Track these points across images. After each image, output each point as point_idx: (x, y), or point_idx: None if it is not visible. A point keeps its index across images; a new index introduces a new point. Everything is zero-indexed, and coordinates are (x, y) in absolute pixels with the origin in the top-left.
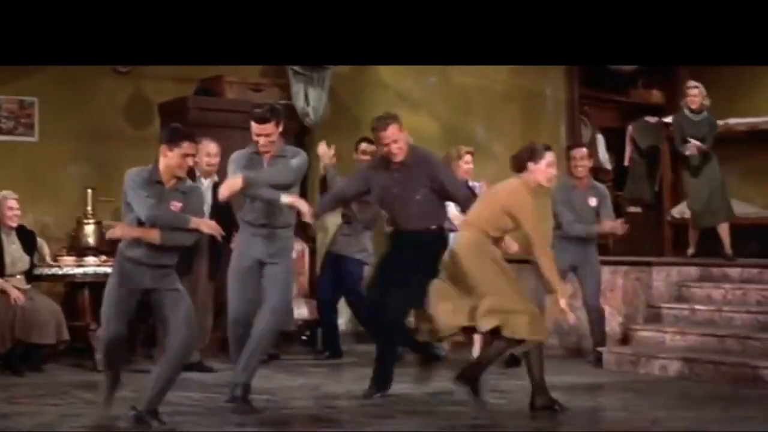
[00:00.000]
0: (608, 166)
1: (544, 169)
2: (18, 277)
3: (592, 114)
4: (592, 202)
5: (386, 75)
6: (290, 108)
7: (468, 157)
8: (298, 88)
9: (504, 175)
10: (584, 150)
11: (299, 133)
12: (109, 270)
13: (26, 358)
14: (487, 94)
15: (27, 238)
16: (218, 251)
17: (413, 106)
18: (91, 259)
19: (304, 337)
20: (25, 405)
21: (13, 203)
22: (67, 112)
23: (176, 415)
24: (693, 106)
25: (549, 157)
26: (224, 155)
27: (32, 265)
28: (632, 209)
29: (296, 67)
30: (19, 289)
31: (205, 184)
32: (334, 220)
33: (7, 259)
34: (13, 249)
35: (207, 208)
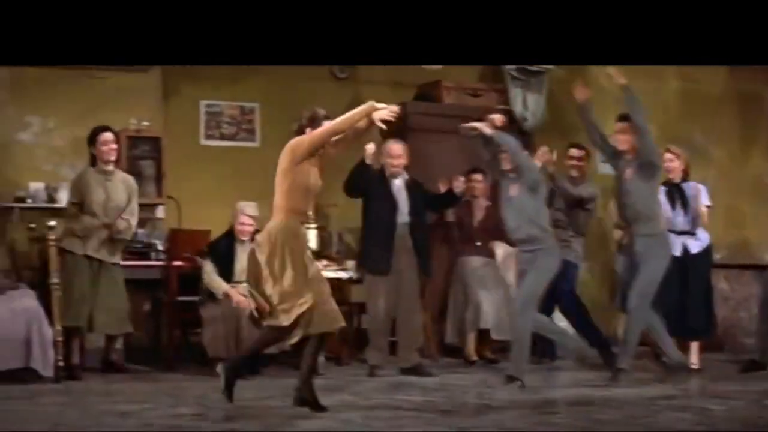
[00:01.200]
0: None
1: None
2: (245, 285)
3: None
4: None
5: (603, 79)
6: (508, 112)
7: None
8: (516, 93)
9: (723, 180)
10: None
11: (516, 137)
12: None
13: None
14: (702, 98)
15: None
16: (425, 248)
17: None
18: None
19: None
20: (252, 408)
21: (246, 219)
22: (287, 118)
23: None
24: None
25: None
26: (439, 159)
27: None
28: None
29: (514, 72)
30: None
31: (397, 184)
32: None
33: (237, 267)
34: (244, 258)
35: (406, 207)
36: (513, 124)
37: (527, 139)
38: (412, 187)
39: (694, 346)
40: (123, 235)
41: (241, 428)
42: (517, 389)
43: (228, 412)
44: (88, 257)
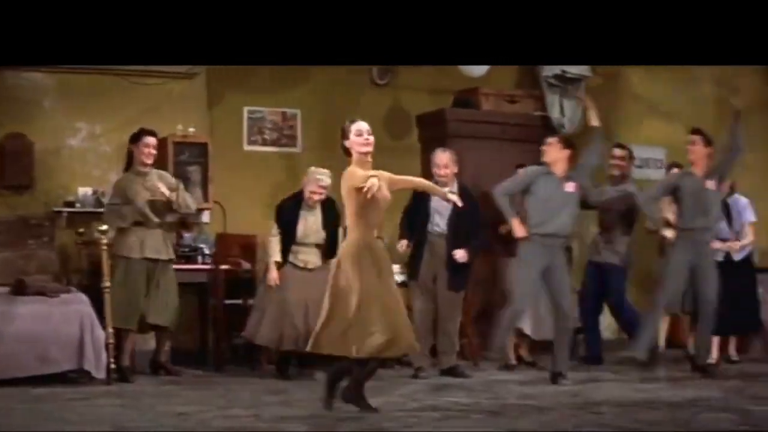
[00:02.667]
0: None
1: None
2: (310, 248)
3: None
4: None
5: (638, 86)
6: (545, 119)
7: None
8: (552, 99)
9: (762, 185)
10: None
11: None
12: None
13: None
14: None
15: (331, 213)
16: (451, 260)
17: (665, 116)
18: None
19: None
20: (300, 408)
21: (317, 187)
22: (328, 124)
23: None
24: None
25: None
26: (477, 165)
27: (329, 245)
28: None
29: (551, 79)
30: (306, 266)
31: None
32: (586, 229)
33: (300, 229)
34: (311, 221)
35: (443, 218)
36: (550, 130)
37: None
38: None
39: (732, 340)
40: (188, 210)
41: (294, 429)
42: (561, 389)
43: (281, 413)
44: (145, 259)
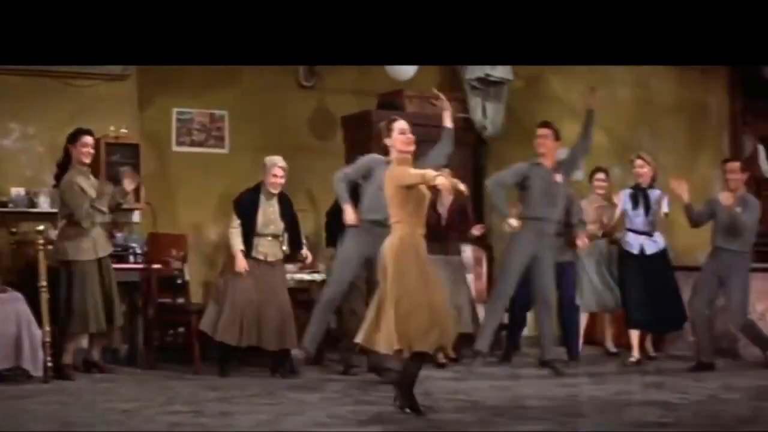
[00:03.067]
0: None
1: None
2: (270, 239)
3: (754, 125)
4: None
5: (557, 88)
6: (467, 121)
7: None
8: (475, 102)
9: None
10: (736, 164)
11: (475, 145)
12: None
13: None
14: (652, 106)
15: (287, 205)
16: None
17: (582, 118)
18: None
19: None
20: (239, 404)
21: (279, 171)
22: (255, 125)
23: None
24: None
25: None
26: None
27: (293, 236)
28: None
29: (474, 82)
30: (266, 258)
31: None
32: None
33: (260, 220)
34: (270, 211)
35: None
36: (471, 132)
37: (486, 146)
38: None
39: (634, 336)
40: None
41: (238, 423)
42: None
43: (221, 408)
44: (97, 260)
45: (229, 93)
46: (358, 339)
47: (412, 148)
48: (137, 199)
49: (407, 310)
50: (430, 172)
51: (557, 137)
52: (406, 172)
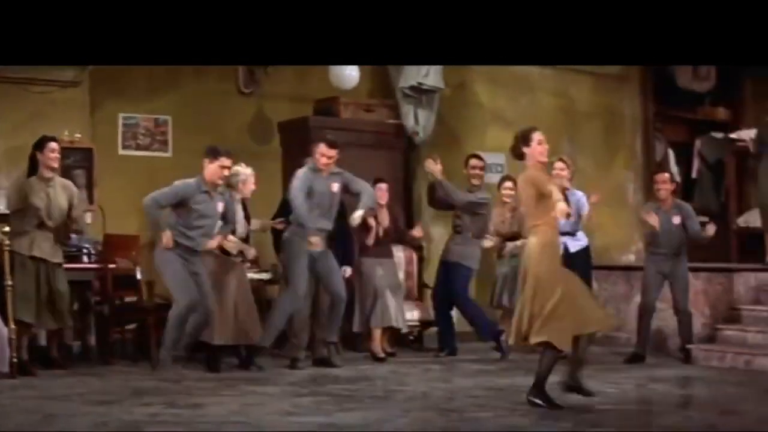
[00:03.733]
0: (677, 178)
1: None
2: (231, 238)
3: (664, 130)
4: (676, 220)
5: (483, 96)
6: (399, 127)
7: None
8: (408, 109)
9: (589, 188)
10: (666, 174)
11: (406, 150)
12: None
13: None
14: (571, 113)
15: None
16: None
17: (507, 125)
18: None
19: (411, 338)
20: (203, 396)
21: (253, 179)
22: (197, 130)
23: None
24: None
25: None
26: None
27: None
28: (700, 219)
29: (407, 90)
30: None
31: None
32: (438, 230)
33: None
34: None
35: None
36: (402, 138)
37: (417, 151)
38: None
39: None
40: (79, 229)
41: (210, 413)
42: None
43: (190, 401)
44: (33, 258)
45: (172, 99)
46: (513, 340)
47: (547, 159)
48: (91, 202)
49: (568, 306)
50: (559, 195)
51: None
52: (543, 180)
